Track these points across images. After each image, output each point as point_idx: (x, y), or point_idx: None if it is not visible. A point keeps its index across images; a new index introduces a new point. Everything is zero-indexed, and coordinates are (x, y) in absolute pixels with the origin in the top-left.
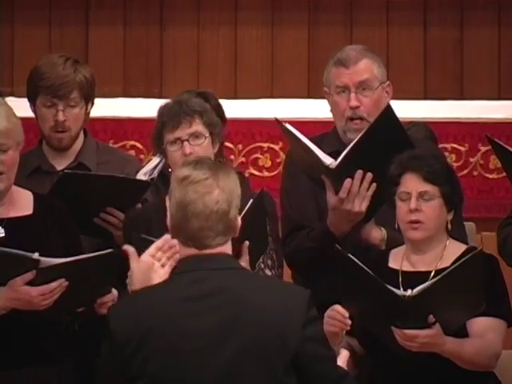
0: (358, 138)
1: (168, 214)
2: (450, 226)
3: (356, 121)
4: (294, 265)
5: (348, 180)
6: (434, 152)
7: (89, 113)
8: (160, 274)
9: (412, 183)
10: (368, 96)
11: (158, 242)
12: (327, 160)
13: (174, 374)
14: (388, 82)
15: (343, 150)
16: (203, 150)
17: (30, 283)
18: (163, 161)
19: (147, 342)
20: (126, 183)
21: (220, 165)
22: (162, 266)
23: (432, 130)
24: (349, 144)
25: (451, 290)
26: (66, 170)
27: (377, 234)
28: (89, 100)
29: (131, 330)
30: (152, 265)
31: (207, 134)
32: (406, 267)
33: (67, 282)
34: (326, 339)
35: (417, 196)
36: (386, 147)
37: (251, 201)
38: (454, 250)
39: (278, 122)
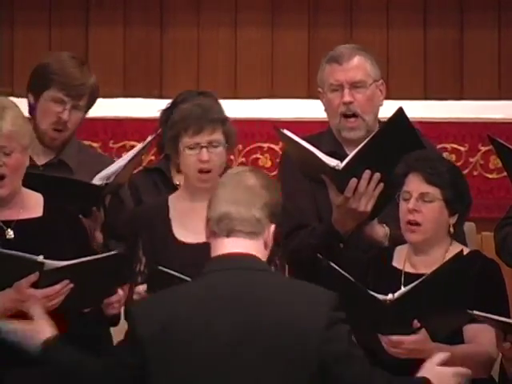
0: (367, 140)
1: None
2: (452, 230)
3: (350, 119)
4: (296, 263)
5: (354, 180)
6: (441, 155)
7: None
8: None
9: (414, 183)
10: (361, 93)
11: None
12: (332, 162)
13: (185, 370)
14: (381, 81)
15: (339, 151)
16: (218, 157)
17: (36, 286)
18: (122, 167)
19: (164, 339)
20: (79, 186)
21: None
22: None
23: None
24: (344, 143)
25: (434, 294)
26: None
27: (380, 230)
28: (89, 107)
29: (151, 325)
30: None
31: (223, 144)
32: (409, 268)
33: (72, 284)
34: (352, 341)
35: (417, 197)
36: (396, 149)
37: None
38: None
39: (275, 129)
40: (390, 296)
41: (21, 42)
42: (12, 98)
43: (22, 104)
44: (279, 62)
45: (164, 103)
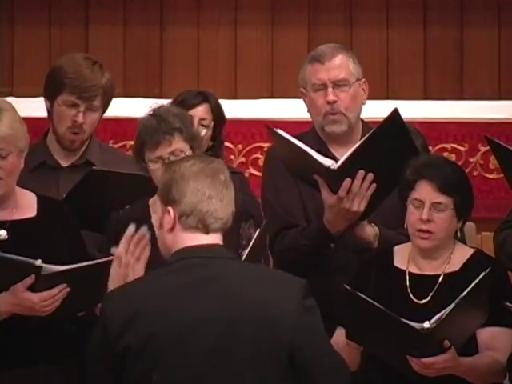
0: (363, 140)
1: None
2: (458, 234)
3: (333, 114)
4: (286, 263)
5: (348, 180)
6: (449, 160)
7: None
8: (136, 271)
9: (426, 192)
10: (345, 91)
11: (127, 233)
12: (327, 162)
13: (155, 355)
14: (364, 80)
15: (324, 150)
16: None
17: (32, 289)
18: None
19: (136, 322)
20: (147, 181)
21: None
22: (137, 259)
23: (423, 136)
24: (328, 142)
25: (464, 312)
26: (93, 168)
27: (370, 231)
28: (106, 106)
29: (122, 310)
30: (128, 264)
31: (187, 150)
32: (413, 269)
33: (69, 288)
34: (323, 329)
35: (430, 206)
36: (390, 150)
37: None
38: (461, 253)
39: (267, 128)
40: (426, 324)
41: (21, 42)
42: (12, 98)
43: (22, 104)
44: (279, 61)
45: (164, 103)
